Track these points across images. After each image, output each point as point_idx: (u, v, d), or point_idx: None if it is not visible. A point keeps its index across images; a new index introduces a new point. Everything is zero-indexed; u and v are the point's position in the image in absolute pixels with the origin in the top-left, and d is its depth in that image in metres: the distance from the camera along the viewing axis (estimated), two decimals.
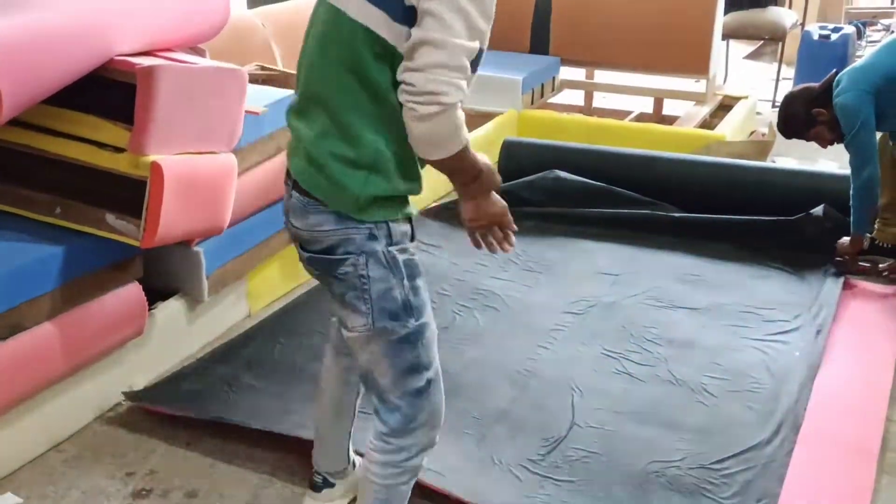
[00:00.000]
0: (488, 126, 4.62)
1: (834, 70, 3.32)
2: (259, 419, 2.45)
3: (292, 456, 2.37)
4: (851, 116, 3.11)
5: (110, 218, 2.38)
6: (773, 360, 2.83)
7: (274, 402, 2.56)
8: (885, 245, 3.44)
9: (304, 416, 2.46)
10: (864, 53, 3.25)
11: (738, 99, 5.17)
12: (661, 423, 2.53)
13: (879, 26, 7.19)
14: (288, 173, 1.72)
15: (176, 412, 2.50)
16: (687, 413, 2.58)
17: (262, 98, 2.95)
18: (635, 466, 2.34)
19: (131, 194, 2.36)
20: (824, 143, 3.34)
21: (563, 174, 3.99)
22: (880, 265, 3.44)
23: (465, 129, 1.56)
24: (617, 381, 2.74)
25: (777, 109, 3.44)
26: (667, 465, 2.34)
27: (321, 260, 1.68)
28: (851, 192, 3.27)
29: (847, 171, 3.34)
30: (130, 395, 2.58)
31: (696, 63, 5.05)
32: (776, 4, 6.04)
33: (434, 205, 4.08)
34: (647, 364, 2.82)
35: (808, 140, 3.39)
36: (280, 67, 3.83)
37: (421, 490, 2.10)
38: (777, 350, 2.89)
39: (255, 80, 3.35)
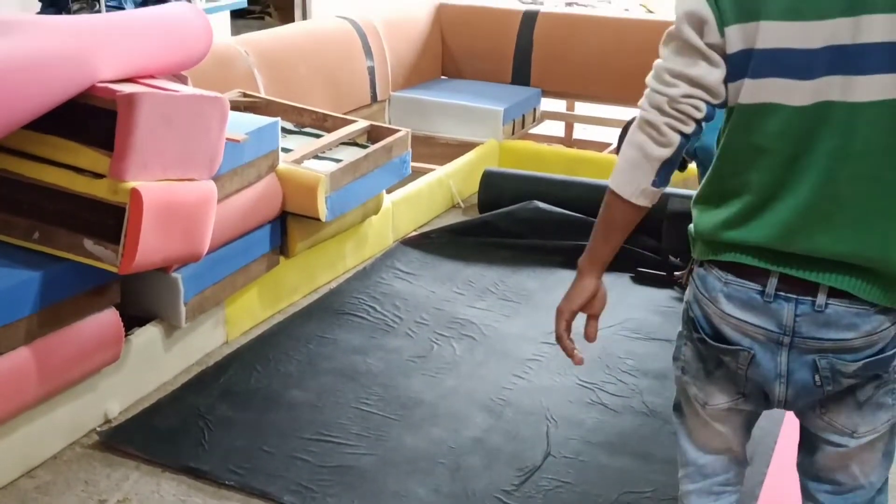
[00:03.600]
0: (469, 156, 4.66)
1: None
2: (233, 459, 2.45)
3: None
4: (711, 154, 3.26)
5: (88, 243, 2.38)
6: None
7: (248, 438, 2.55)
8: None
9: (278, 456, 2.47)
10: None
11: None
12: (634, 454, 2.55)
13: None
14: (789, 284, 1.39)
15: (148, 456, 2.47)
16: (660, 444, 2.59)
17: (243, 126, 2.97)
18: (608, 497, 2.36)
19: (110, 220, 2.37)
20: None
21: (542, 205, 4.02)
22: (675, 273, 3.59)
23: None
24: (591, 411, 2.75)
25: None
26: (639, 497, 2.36)
27: (875, 363, 1.41)
28: None
29: None
30: (104, 434, 2.55)
31: None
32: None
33: (413, 233, 4.11)
34: (621, 395, 2.84)
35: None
36: (263, 95, 3.86)
37: None
38: None
39: (236, 107, 3.38)
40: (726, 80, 1.37)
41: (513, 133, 5.09)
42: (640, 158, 1.41)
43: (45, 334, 2.36)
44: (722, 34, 1.34)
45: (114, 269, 2.37)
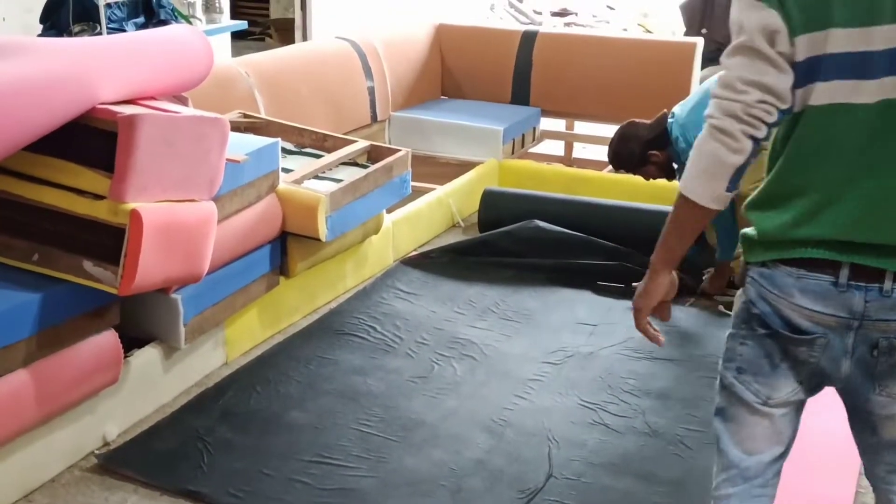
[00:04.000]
0: (469, 175, 4.67)
1: (663, 112, 3.53)
2: (232, 482, 2.43)
3: None
4: None
5: (88, 265, 2.38)
6: None
7: (248, 461, 2.53)
8: (734, 278, 3.67)
9: (278, 478, 2.46)
10: (695, 97, 3.52)
11: None
12: (637, 476, 2.53)
13: None
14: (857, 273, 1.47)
15: (147, 480, 2.45)
16: (663, 465, 2.58)
17: (243, 146, 2.97)
18: None
19: (109, 241, 2.36)
20: (649, 178, 3.63)
21: (542, 224, 4.02)
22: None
23: None
24: (594, 432, 2.74)
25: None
26: None
27: None
28: (717, 226, 3.49)
29: None
30: (102, 457, 2.53)
31: None
32: None
33: (414, 253, 4.10)
34: (623, 415, 2.83)
35: (634, 174, 3.67)
36: (263, 115, 3.87)
37: None
38: None
39: (236, 127, 3.39)
40: (794, 86, 1.45)
41: (512, 152, 5.10)
42: (715, 166, 1.48)
43: (44, 356, 2.35)
44: (792, 44, 1.42)
45: (113, 291, 2.36)
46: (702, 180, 1.50)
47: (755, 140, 1.46)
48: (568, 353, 3.22)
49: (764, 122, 1.45)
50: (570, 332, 3.40)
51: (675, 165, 3.56)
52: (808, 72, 1.43)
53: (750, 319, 1.58)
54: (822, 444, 2.72)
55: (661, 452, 2.64)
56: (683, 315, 3.56)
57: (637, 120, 3.62)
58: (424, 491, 2.44)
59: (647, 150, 3.50)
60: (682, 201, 1.53)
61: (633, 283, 3.67)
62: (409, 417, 2.78)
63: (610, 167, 5.17)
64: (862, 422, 1.62)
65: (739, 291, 1.65)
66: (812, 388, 1.60)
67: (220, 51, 5.04)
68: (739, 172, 1.48)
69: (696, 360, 3.19)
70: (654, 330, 1.77)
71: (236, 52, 6.14)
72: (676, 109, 3.52)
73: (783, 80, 1.43)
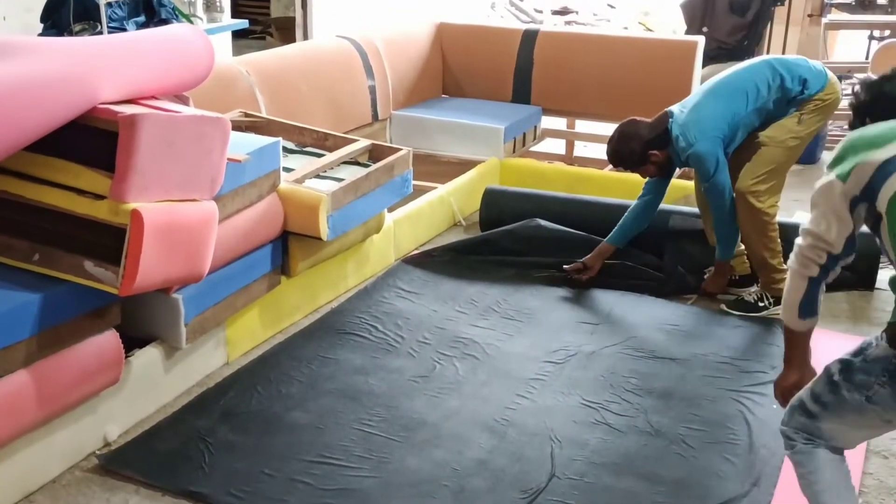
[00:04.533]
0: (470, 174, 4.66)
1: (664, 112, 3.55)
2: (233, 482, 2.43)
3: None
4: (709, 163, 3.41)
5: (89, 265, 2.37)
6: (750, 412, 2.83)
7: (249, 461, 2.53)
8: (735, 277, 3.73)
9: (279, 479, 2.45)
10: (694, 98, 3.56)
11: None
12: (639, 475, 2.52)
13: (854, 80, 7.33)
14: None
15: (148, 480, 2.45)
16: (665, 465, 2.57)
17: (244, 145, 2.96)
18: None
19: (110, 242, 2.36)
20: (646, 176, 3.65)
21: (543, 223, 4.01)
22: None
23: None
24: (596, 431, 2.73)
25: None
26: None
27: None
28: (717, 224, 3.55)
29: None
30: (103, 458, 2.53)
31: None
32: (752, 57, 6.14)
33: (415, 252, 4.09)
34: (625, 415, 2.82)
35: (632, 172, 3.68)
36: (264, 115, 3.86)
37: None
38: (754, 401, 2.89)
39: (237, 126, 3.38)
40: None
41: (514, 151, 5.09)
42: (788, 300, 1.95)
43: (45, 357, 2.34)
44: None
45: (114, 291, 2.36)
46: (787, 311, 1.97)
47: (812, 280, 1.87)
48: (570, 353, 3.21)
49: (815, 262, 1.85)
50: (572, 331, 3.39)
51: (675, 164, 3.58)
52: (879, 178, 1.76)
53: (894, 372, 1.82)
54: None
55: (664, 452, 2.63)
56: (685, 314, 3.56)
57: (637, 118, 3.62)
58: (427, 491, 2.44)
59: (648, 149, 3.51)
60: (785, 327, 2.03)
61: (634, 280, 3.65)
62: (411, 417, 2.77)
63: (610, 166, 5.18)
64: None
65: (874, 339, 1.89)
66: None
67: (220, 50, 5.03)
68: (804, 306, 1.92)
69: (698, 359, 3.18)
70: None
71: (237, 51, 6.13)
72: (675, 109, 3.53)
73: (833, 231, 1.83)
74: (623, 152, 3.57)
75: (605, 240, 3.76)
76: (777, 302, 3.47)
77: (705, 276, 3.73)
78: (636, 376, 3.05)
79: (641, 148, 3.51)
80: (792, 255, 1.92)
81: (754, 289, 3.64)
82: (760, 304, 3.56)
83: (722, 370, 3.11)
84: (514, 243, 4.00)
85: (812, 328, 2.00)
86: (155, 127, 2.35)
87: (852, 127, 1.98)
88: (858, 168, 1.80)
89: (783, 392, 2.09)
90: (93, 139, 2.38)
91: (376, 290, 3.68)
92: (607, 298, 3.69)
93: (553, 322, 3.47)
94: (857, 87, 2.02)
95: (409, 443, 2.65)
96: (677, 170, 3.74)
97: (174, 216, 2.45)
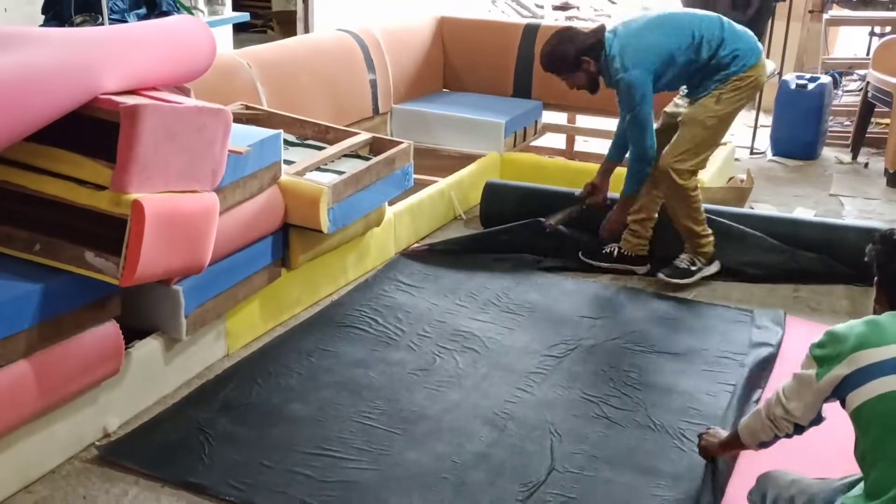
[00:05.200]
0: (471, 168, 4.65)
1: (601, 24, 3.61)
2: (233, 474, 2.43)
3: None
4: (638, 93, 3.45)
5: (89, 256, 2.37)
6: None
7: (249, 453, 2.53)
8: (629, 254, 3.85)
9: (279, 470, 2.45)
10: (637, 22, 3.60)
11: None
12: (639, 469, 2.52)
13: (855, 76, 7.32)
14: None
15: (148, 471, 2.45)
16: (665, 459, 2.57)
17: (245, 137, 2.96)
18: None
19: (111, 232, 2.35)
20: (574, 87, 3.65)
21: (544, 221, 4.01)
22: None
23: None
24: (596, 425, 2.73)
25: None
26: None
27: None
28: (631, 156, 3.60)
29: (823, 218, 3.41)
30: (103, 449, 2.53)
31: None
32: None
33: (416, 245, 4.09)
34: (625, 408, 2.82)
35: (561, 78, 3.66)
36: (265, 107, 3.85)
37: None
38: (749, 397, 2.89)
39: (238, 119, 3.37)
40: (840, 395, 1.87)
41: (514, 145, 5.08)
42: (754, 433, 2.11)
43: (45, 347, 2.34)
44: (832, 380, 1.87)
45: (115, 282, 2.36)
46: (749, 436, 2.13)
47: (777, 437, 2.03)
48: (570, 346, 3.21)
49: (785, 431, 2.00)
50: (572, 325, 3.39)
51: (602, 79, 3.61)
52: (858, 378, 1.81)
53: None
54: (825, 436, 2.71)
55: (663, 446, 2.63)
56: (686, 309, 3.56)
57: (576, 26, 3.70)
58: (426, 484, 2.44)
59: (582, 55, 3.53)
60: (737, 437, 2.19)
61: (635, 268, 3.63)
62: (411, 410, 2.77)
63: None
64: None
65: None
66: None
67: (221, 43, 5.01)
68: (764, 445, 2.10)
69: (698, 353, 3.18)
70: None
71: (238, 45, 6.11)
72: (620, 27, 3.57)
73: (808, 411, 1.94)
74: (557, 54, 3.60)
75: (605, 159, 3.85)
76: (709, 262, 3.71)
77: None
78: (636, 370, 3.05)
79: (576, 52, 3.55)
80: (765, 407, 2.04)
81: (685, 255, 3.75)
82: (693, 268, 3.71)
83: (723, 365, 3.11)
84: (515, 239, 4.00)
85: None
86: (157, 118, 2.35)
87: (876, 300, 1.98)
88: (833, 375, 1.85)
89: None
90: (94, 129, 2.38)
91: (377, 283, 3.68)
92: (607, 293, 3.69)
93: (553, 316, 3.47)
94: (877, 245, 1.97)
95: (408, 435, 2.64)
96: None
97: (175, 207, 2.44)
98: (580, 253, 3.92)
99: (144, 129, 2.30)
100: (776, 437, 2.04)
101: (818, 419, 1.97)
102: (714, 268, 3.76)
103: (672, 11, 3.60)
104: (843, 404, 1.87)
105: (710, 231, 3.71)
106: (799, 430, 1.99)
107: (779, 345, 3.21)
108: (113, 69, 2.44)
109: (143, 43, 2.65)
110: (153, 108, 2.35)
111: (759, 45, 3.65)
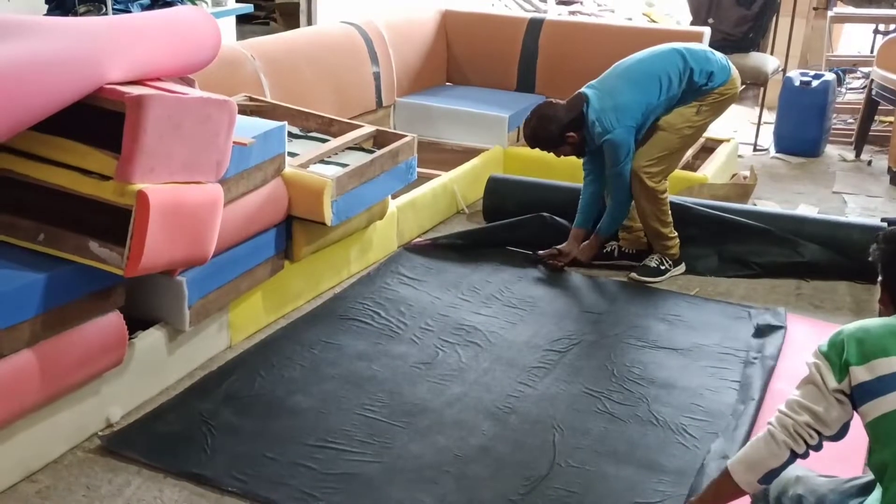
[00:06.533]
0: (474, 162, 4.65)
1: (578, 94, 3.70)
2: (236, 465, 2.43)
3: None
4: (622, 151, 3.61)
5: (94, 246, 2.36)
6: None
7: (252, 444, 2.53)
8: (629, 251, 3.94)
9: (282, 462, 2.46)
10: (609, 82, 3.73)
11: (720, 142, 5.22)
12: (641, 464, 2.52)
13: (859, 73, 7.31)
14: None
15: (150, 462, 2.45)
16: (667, 454, 2.57)
17: (249, 129, 2.96)
18: None
19: (116, 222, 2.35)
20: (561, 155, 3.78)
21: (548, 216, 4.00)
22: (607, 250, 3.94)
23: None
24: (598, 420, 2.73)
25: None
26: None
27: None
28: (611, 204, 3.76)
29: (827, 215, 3.42)
30: (106, 439, 2.53)
31: None
32: (758, 50, 6.13)
33: (419, 239, 4.09)
34: (628, 403, 2.82)
35: (548, 152, 3.79)
36: (269, 99, 3.85)
37: None
38: (751, 393, 2.89)
39: (243, 111, 3.37)
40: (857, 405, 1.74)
41: (517, 139, 5.08)
42: (757, 463, 1.83)
43: (49, 337, 2.34)
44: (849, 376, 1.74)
45: (119, 272, 2.35)
46: (746, 471, 1.84)
47: (794, 454, 1.79)
48: (573, 341, 3.21)
49: (806, 442, 1.77)
50: (575, 320, 3.39)
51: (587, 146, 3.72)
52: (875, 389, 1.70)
53: None
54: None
55: (665, 441, 2.64)
56: (689, 305, 3.56)
57: (553, 100, 3.80)
58: (429, 477, 2.44)
59: (565, 131, 3.65)
60: (728, 477, 1.88)
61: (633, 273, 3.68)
62: (414, 403, 2.78)
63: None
64: None
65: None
66: None
67: (225, 34, 4.99)
68: (773, 473, 1.82)
69: (701, 349, 3.18)
70: None
71: (240, 37, 6.09)
72: (590, 93, 3.66)
73: (832, 412, 1.75)
74: (542, 135, 3.71)
75: (573, 225, 3.89)
76: (675, 264, 3.82)
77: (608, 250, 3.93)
78: (638, 366, 3.05)
79: (559, 130, 3.65)
80: (778, 423, 1.80)
81: (654, 255, 3.82)
82: (662, 268, 3.79)
83: (725, 361, 3.11)
84: (517, 234, 4.00)
85: None
86: (162, 108, 2.35)
87: (881, 301, 1.94)
88: (852, 377, 1.74)
89: None
90: (99, 120, 2.37)
91: (379, 276, 3.68)
92: (610, 288, 3.69)
93: (556, 311, 3.47)
94: (880, 244, 1.92)
95: (411, 429, 2.65)
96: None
97: (179, 198, 2.44)
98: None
99: (149, 119, 2.30)
100: (792, 457, 1.80)
101: (845, 430, 1.79)
102: (680, 269, 3.84)
103: (634, 62, 3.70)
104: (857, 411, 1.75)
105: (675, 234, 3.81)
106: (821, 442, 1.80)
107: (781, 342, 3.21)
108: (118, 59, 2.43)
109: (148, 33, 2.65)
110: (158, 98, 2.35)
111: (727, 60, 3.77)
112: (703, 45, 3.81)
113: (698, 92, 3.64)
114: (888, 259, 1.89)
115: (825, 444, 1.81)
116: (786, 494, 1.94)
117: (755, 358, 3.08)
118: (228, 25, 5.87)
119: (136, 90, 2.37)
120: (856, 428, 1.79)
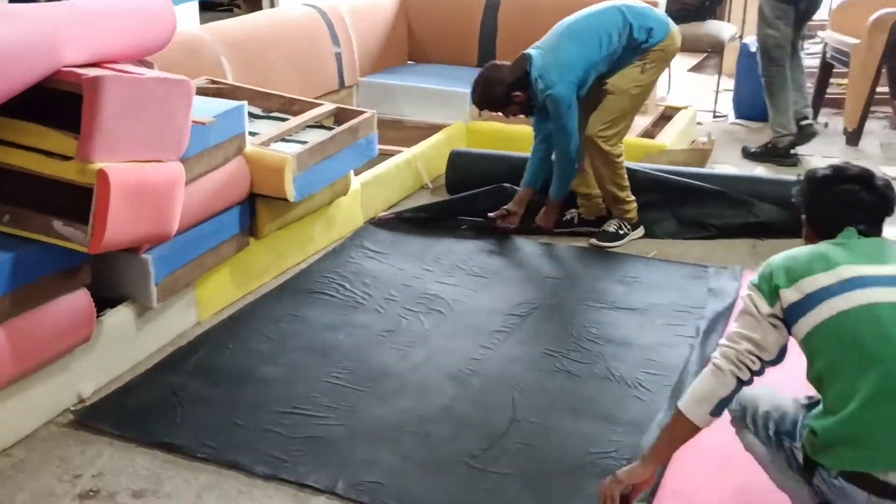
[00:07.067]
0: (437, 136, 4.72)
1: (522, 55, 3.77)
2: (206, 434, 2.50)
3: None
4: (563, 105, 3.68)
5: (58, 224, 2.43)
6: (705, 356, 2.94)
7: (221, 413, 2.61)
8: (588, 218, 4.03)
9: (251, 429, 2.53)
10: (551, 41, 3.81)
11: (678, 109, 5.32)
12: (597, 417, 2.62)
13: (817, 38, 7.42)
14: None
15: (122, 433, 2.52)
16: (623, 407, 2.67)
17: (209, 109, 3.01)
18: (572, 458, 2.44)
19: (79, 202, 2.41)
20: (509, 115, 3.89)
21: (509, 187, 4.09)
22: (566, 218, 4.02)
23: None
24: (556, 378, 2.83)
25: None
26: (602, 456, 2.43)
27: None
28: (557, 163, 3.84)
29: (778, 175, 3.51)
30: (78, 413, 2.60)
31: None
32: (715, 18, 6.23)
33: (384, 213, 4.16)
34: (585, 362, 2.92)
35: (496, 112, 3.95)
36: (230, 81, 3.90)
37: None
38: (709, 346, 2.99)
39: (204, 93, 3.42)
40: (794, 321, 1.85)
41: (479, 115, 5.14)
42: (707, 395, 1.91)
43: (18, 315, 2.40)
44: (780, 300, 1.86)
45: (83, 249, 2.42)
46: (696, 405, 1.92)
47: (740, 382, 1.89)
48: (533, 305, 3.30)
49: (749, 368, 1.88)
50: (536, 285, 3.49)
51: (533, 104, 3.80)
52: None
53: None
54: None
55: (621, 395, 2.74)
56: (647, 268, 3.66)
57: (498, 62, 3.92)
58: (392, 437, 2.52)
59: (511, 91, 3.75)
60: (679, 417, 1.95)
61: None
62: (378, 369, 2.86)
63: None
64: None
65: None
66: None
67: (188, 21, 5.03)
68: (722, 404, 1.91)
69: (657, 308, 3.29)
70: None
71: (204, 20, 6.11)
72: (534, 52, 3.75)
73: (769, 336, 1.87)
74: (489, 96, 3.83)
75: (521, 185, 3.98)
76: (633, 227, 3.90)
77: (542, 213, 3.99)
78: (597, 326, 3.15)
79: (505, 90, 3.76)
80: (721, 355, 1.90)
81: (613, 221, 3.92)
82: (621, 233, 3.89)
83: (681, 318, 3.21)
84: (479, 204, 4.08)
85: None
86: (118, 88, 2.40)
87: (806, 236, 2.02)
88: (782, 300, 1.86)
89: (625, 490, 2.03)
90: (59, 102, 2.43)
91: (344, 250, 3.76)
92: (570, 254, 3.79)
93: (517, 277, 3.57)
94: (801, 184, 2.02)
95: (374, 393, 2.73)
96: None
97: (140, 175, 2.50)
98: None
99: (107, 99, 2.36)
100: (739, 385, 1.90)
101: (783, 353, 1.91)
102: (639, 232, 3.94)
103: (574, 21, 3.78)
104: (791, 331, 1.88)
105: (633, 198, 3.90)
106: (762, 367, 1.90)
107: (735, 298, 3.31)
108: (74, 43, 2.48)
109: (104, 17, 2.69)
110: (115, 78, 2.41)
111: (666, 15, 3.87)
112: (642, 3, 3.86)
113: (639, 49, 3.71)
114: (808, 194, 2.00)
115: (767, 370, 1.93)
116: (757, 413, 2.03)
117: (711, 313, 3.19)
118: (191, 12, 5.86)
119: (92, 72, 2.43)
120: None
